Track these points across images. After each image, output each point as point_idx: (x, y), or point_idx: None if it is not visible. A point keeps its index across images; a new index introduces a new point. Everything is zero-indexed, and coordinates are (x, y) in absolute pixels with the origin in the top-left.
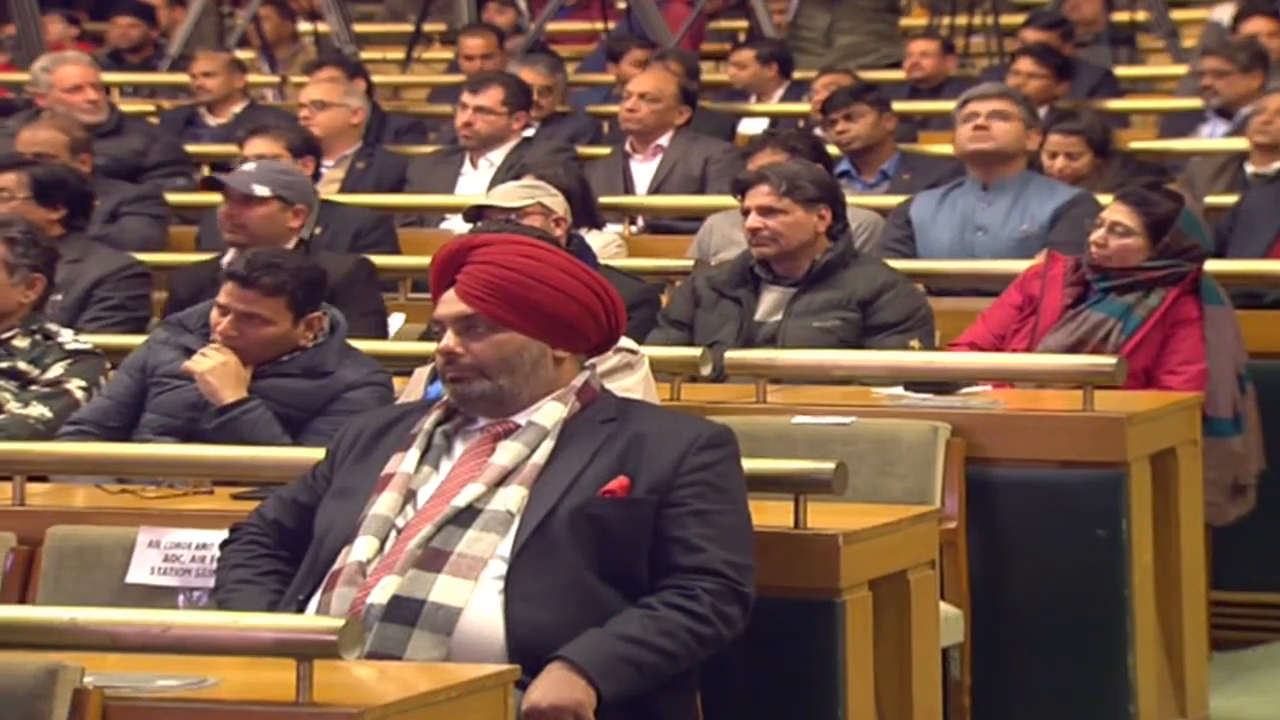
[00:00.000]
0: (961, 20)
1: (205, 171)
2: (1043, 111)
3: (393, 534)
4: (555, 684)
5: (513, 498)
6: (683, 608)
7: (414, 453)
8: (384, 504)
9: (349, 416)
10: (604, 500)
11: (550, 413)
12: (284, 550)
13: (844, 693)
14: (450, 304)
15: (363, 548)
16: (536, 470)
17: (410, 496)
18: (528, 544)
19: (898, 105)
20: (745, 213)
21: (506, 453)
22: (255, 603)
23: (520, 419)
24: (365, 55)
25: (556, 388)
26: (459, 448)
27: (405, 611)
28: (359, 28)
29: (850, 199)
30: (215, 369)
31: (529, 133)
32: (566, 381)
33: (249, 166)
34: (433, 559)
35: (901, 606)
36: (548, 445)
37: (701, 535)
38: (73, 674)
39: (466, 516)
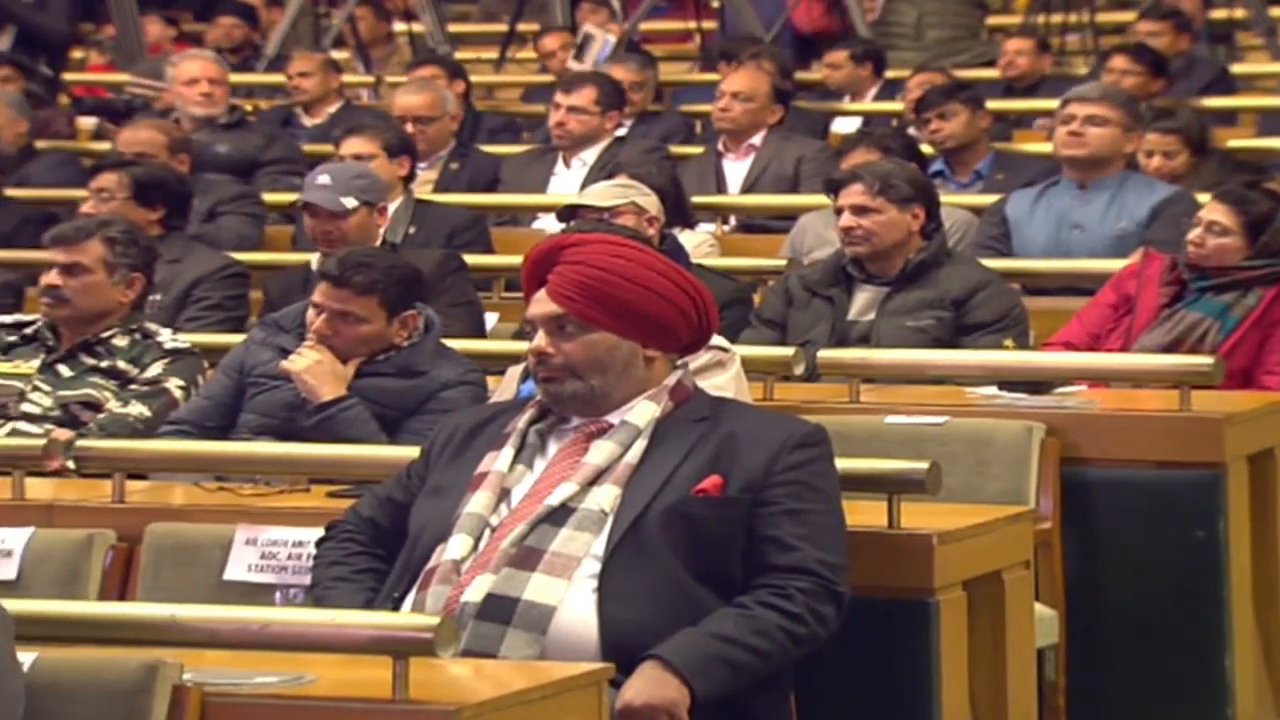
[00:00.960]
0: (1058, 18)
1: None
2: None
3: (487, 532)
4: (649, 684)
5: (606, 497)
6: (777, 607)
7: (508, 451)
8: (478, 502)
9: (443, 415)
10: (698, 499)
11: (643, 412)
12: (380, 548)
13: (938, 694)
14: (542, 304)
15: (457, 546)
16: (630, 469)
17: (504, 495)
18: (621, 543)
19: (992, 104)
20: (838, 212)
21: (600, 452)
22: (351, 600)
23: (613, 418)
24: (459, 55)
25: (649, 387)
26: (553, 447)
27: (500, 610)
28: (453, 28)
29: (944, 198)
30: (311, 367)
31: (622, 132)
32: (659, 381)
33: (323, 179)
34: (527, 557)
35: (996, 607)
36: (641, 444)
37: (795, 535)
38: (172, 670)
39: (560, 515)
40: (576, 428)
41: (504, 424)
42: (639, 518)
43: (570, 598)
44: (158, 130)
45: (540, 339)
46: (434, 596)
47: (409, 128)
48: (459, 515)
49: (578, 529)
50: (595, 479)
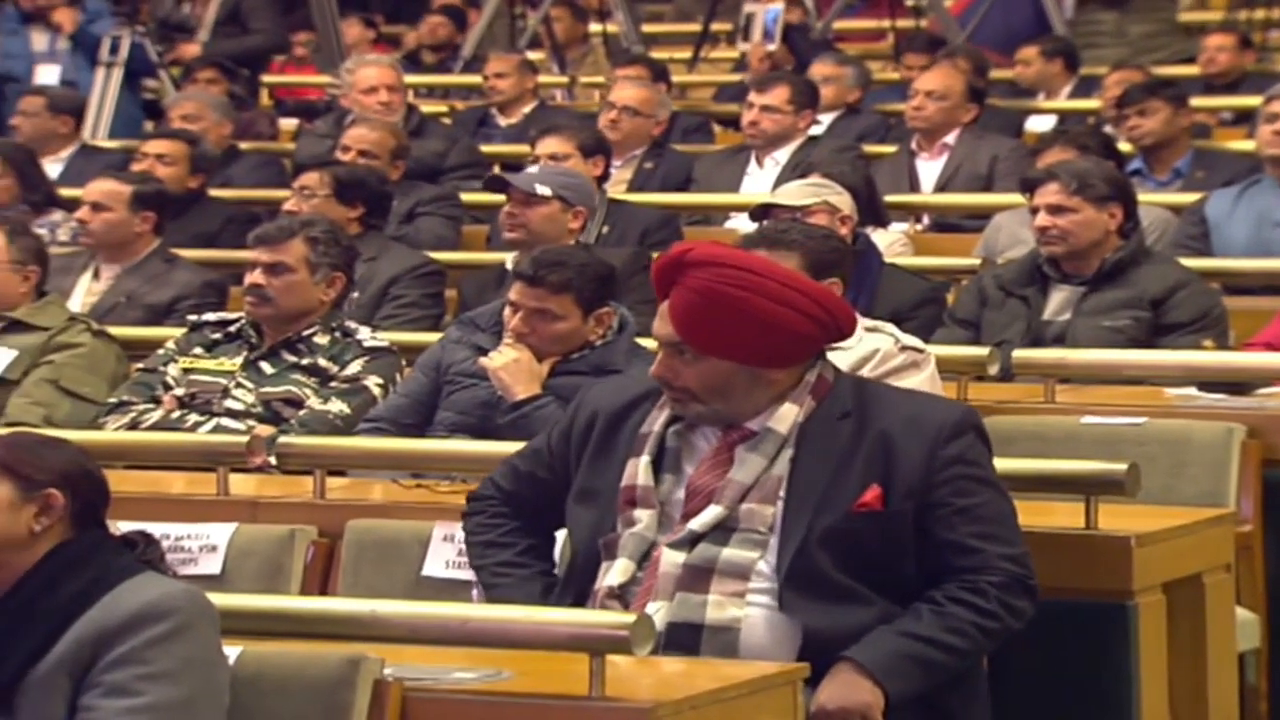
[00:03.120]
0: (1260, 14)
1: (497, 172)
2: None
3: (650, 552)
4: (843, 687)
5: (762, 516)
6: (971, 604)
7: (645, 461)
8: (640, 522)
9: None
10: (862, 515)
11: (785, 416)
12: (526, 521)
13: (1138, 697)
14: (663, 323)
15: (618, 572)
16: (780, 483)
17: (659, 511)
18: (793, 562)
19: (1192, 101)
20: (1034, 211)
21: (744, 467)
22: (527, 588)
23: (754, 425)
24: (653, 55)
25: (785, 391)
26: (699, 447)
27: (686, 638)
28: (647, 28)
29: (1142, 197)
30: (508, 365)
31: (815, 131)
32: (796, 381)
33: (533, 168)
34: (694, 579)
35: (1196, 610)
36: (787, 454)
37: (972, 535)
38: (374, 665)
39: (718, 534)
40: (717, 431)
41: (641, 419)
42: (805, 537)
43: (750, 618)
44: (388, 133)
45: (661, 362)
46: None
47: (613, 114)
48: (623, 536)
49: (740, 548)
50: (743, 496)
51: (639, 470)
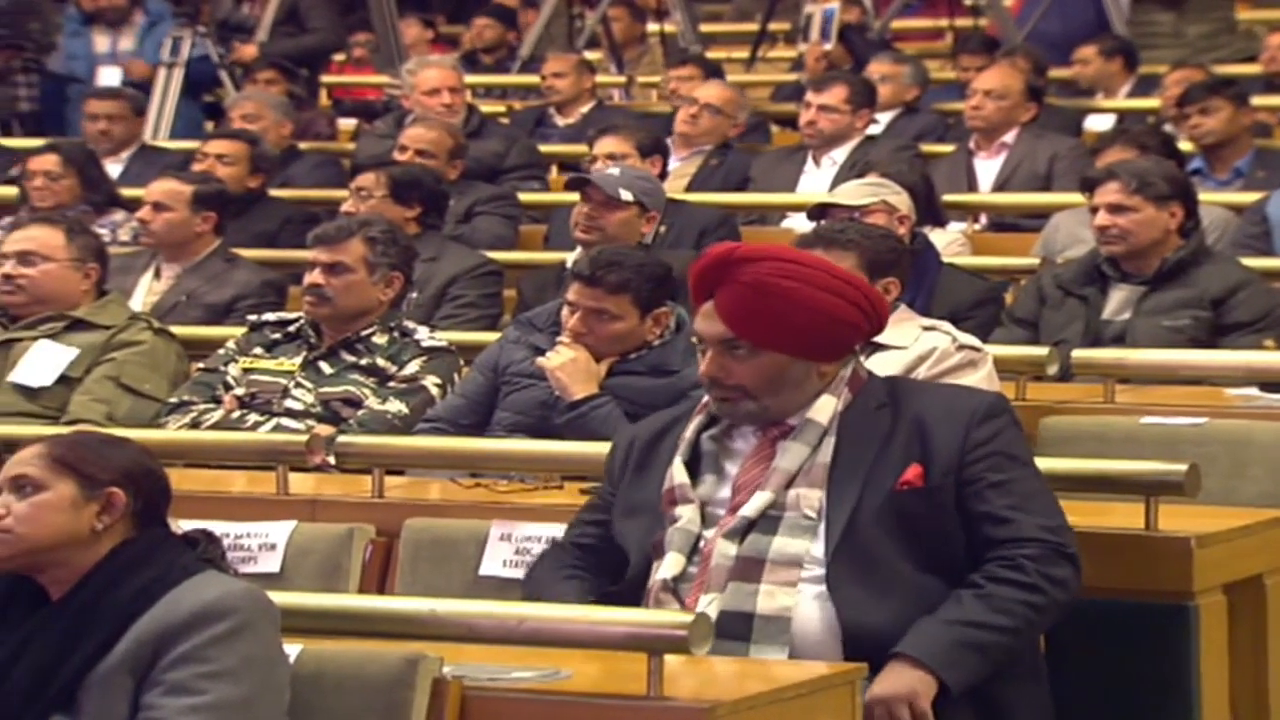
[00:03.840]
0: None
1: (554, 172)
2: None
3: (699, 544)
4: (890, 676)
5: (809, 499)
6: (1010, 580)
7: (678, 462)
8: (684, 517)
9: None
10: (905, 493)
11: (824, 407)
12: (603, 574)
13: (1198, 699)
14: (712, 322)
15: (670, 565)
16: (825, 469)
17: (702, 508)
18: (841, 546)
19: (1253, 100)
20: (1094, 210)
21: (788, 455)
22: (565, 586)
23: (793, 420)
24: (710, 54)
25: (825, 386)
26: (738, 448)
27: (737, 627)
28: (705, 27)
29: (1202, 196)
30: (566, 365)
31: (873, 130)
32: (835, 375)
33: (613, 170)
34: (747, 569)
35: (1257, 612)
36: (830, 442)
37: (1006, 506)
38: (432, 664)
39: (766, 524)
40: (755, 431)
41: (679, 434)
42: (852, 518)
43: (802, 605)
44: (445, 133)
45: (711, 361)
46: None
47: (694, 110)
48: (668, 532)
49: (789, 535)
50: (789, 483)
51: (674, 471)
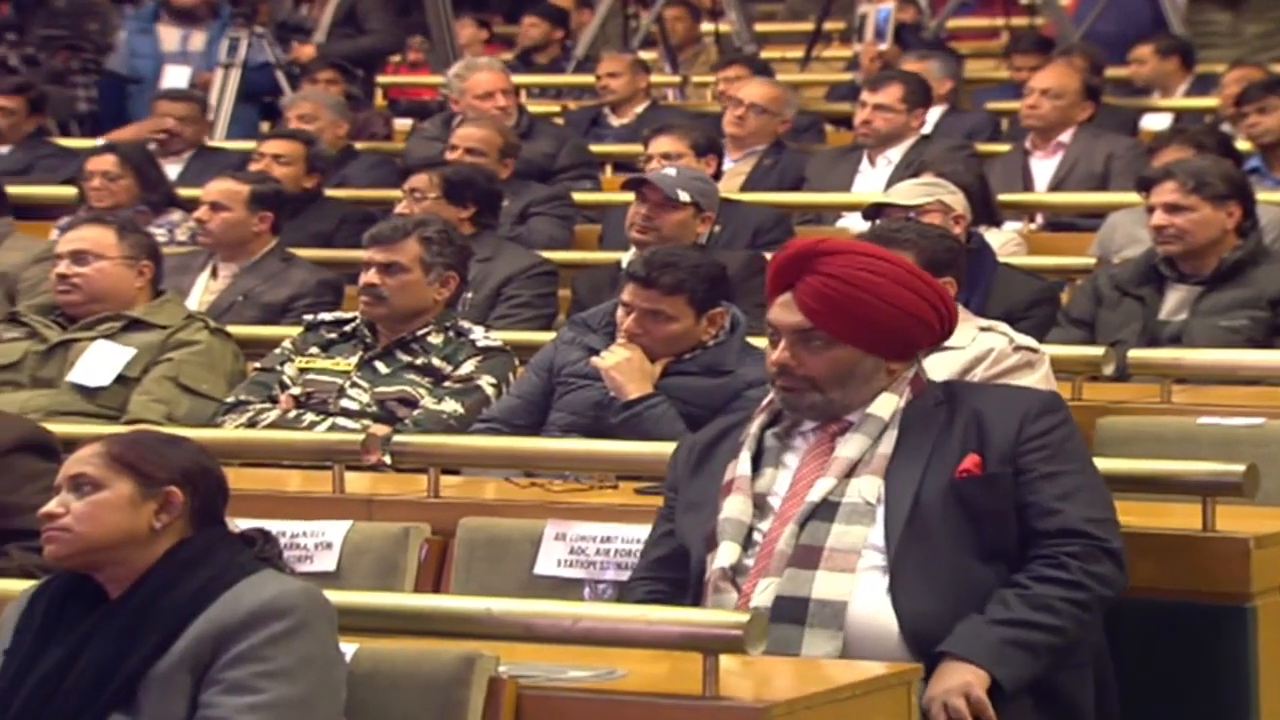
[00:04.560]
0: None
1: (608, 172)
2: None
3: (757, 536)
4: (942, 673)
5: (869, 487)
6: (1052, 578)
7: (745, 455)
8: (733, 507)
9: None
10: (964, 481)
11: (885, 404)
12: (671, 577)
13: (1256, 700)
14: (789, 312)
15: (725, 554)
16: (885, 459)
17: (759, 499)
18: (902, 534)
19: None
20: (1151, 210)
21: (849, 445)
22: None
23: (853, 416)
24: (765, 54)
25: (888, 385)
26: (798, 446)
27: (793, 610)
28: (759, 27)
29: (1260, 196)
30: (621, 365)
31: (927, 130)
32: (900, 374)
33: (670, 171)
34: (805, 556)
35: None
36: (892, 434)
37: (1055, 497)
38: (489, 663)
39: (826, 511)
40: (817, 428)
41: (739, 434)
42: (913, 506)
43: (859, 591)
44: (495, 131)
45: (783, 351)
46: (716, 605)
47: (740, 111)
48: (719, 521)
49: (849, 522)
50: (850, 471)
51: (739, 463)
